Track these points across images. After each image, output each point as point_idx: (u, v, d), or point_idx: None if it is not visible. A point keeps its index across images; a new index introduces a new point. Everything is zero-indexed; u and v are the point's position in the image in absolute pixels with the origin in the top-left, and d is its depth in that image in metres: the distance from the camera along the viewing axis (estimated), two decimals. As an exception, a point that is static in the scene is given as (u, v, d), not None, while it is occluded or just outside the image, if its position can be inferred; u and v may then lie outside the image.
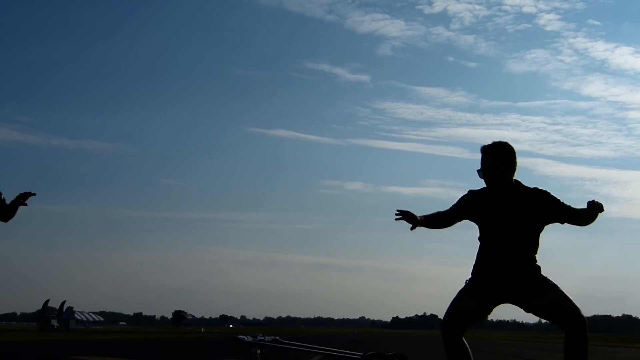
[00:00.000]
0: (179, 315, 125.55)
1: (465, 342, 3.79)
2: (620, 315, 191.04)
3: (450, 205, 3.96)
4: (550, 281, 3.75)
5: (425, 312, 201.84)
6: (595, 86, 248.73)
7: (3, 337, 19.14)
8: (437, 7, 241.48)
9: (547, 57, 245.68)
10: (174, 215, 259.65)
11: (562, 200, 3.79)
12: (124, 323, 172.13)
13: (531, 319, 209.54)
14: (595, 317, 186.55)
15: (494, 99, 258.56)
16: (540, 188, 3.81)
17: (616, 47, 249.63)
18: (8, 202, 4.57)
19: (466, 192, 3.96)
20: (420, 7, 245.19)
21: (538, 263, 3.79)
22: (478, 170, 3.81)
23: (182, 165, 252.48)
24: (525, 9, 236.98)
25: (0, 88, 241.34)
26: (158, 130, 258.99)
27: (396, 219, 3.75)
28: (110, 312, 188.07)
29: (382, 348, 3.49)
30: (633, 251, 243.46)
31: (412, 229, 3.77)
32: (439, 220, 3.95)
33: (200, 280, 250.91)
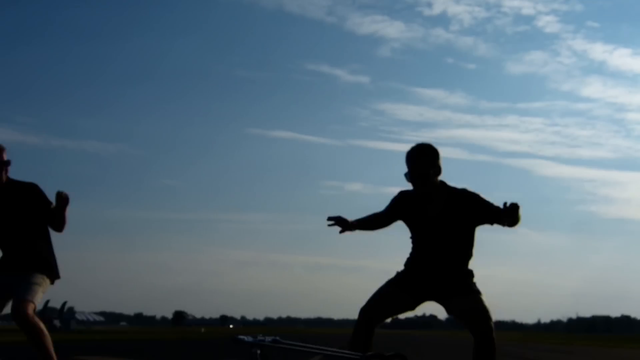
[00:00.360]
0: (179, 315, 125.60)
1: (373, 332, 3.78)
2: (619, 315, 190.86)
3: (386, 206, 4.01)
4: (475, 287, 3.77)
5: (424, 313, 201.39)
6: (594, 87, 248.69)
7: (6, 337, 19.17)
8: (437, 9, 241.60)
9: (545, 58, 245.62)
10: (174, 216, 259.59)
11: (490, 202, 3.74)
12: (125, 323, 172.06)
13: (530, 319, 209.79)
14: (594, 318, 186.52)
15: (493, 100, 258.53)
16: (469, 190, 3.82)
17: (615, 48, 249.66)
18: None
19: (397, 193, 3.98)
20: (419, 8, 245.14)
21: (470, 266, 3.83)
22: (405, 174, 3.84)
23: (182, 165, 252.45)
24: (524, 11, 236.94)
25: (0, 88, 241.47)
26: (158, 130, 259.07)
27: (329, 226, 3.83)
28: (110, 313, 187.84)
29: (381, 348, 3.51)
30: (632, 252, 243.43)
31: (340, 232, 3.82)
32: (375, 222, 4.01)
33: (201, 281, 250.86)
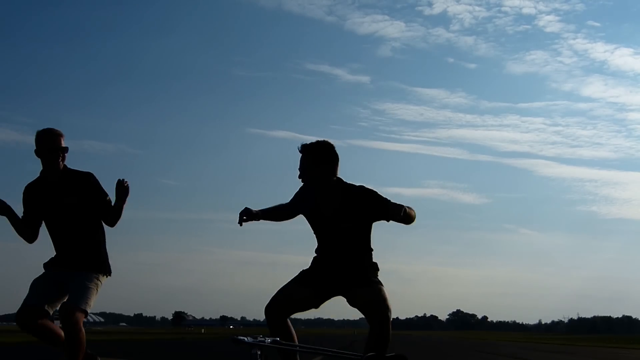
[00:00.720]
0: (179, 316, 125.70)
1: (289, 323, 3.80)
2: (620, 316, 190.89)
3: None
4: (375, 279, 3.80)
5: (425, 313, 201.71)
6: (595, 87, 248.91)
7: (5, 337, 19.16)
8: (437, 9, 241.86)
9: (546, 58, 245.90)
10: (174, 216, 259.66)
11: (387, 199, 3.75)
12: (125, 324, 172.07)
13: (531, 320, 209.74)
14: (595, 318, 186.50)
15: (493, 100, 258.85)
16: (366, 187, 3.83)
17: (616, 48, 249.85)
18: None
19: (299, 188, 4.01)
20: (420, 8, 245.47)
21: (373, 259, 3.88)
22: (299, 169, 3.89)
23: (182, 165, 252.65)
24: (525, 11, 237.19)
25: (0, 88, 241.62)
26: (158, 130, 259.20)
27: (241, 225, 3.92)
28: (110, 313, 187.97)
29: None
30: (633, 252, 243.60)
31: (240, 222, 3.89)
32: (278, 213, 4.06)
33: (201, 281, 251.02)
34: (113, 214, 4.23)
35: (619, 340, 36.47)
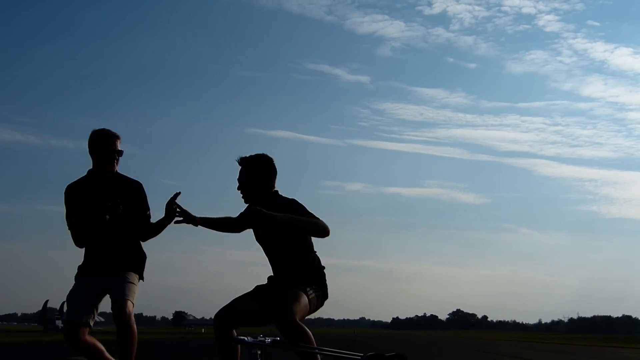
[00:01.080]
0: (179, 315, 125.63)
1: (235, 334, 3.74)
2: (620, 315, 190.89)
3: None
4: (302, 287, 3.70)
5: (425, 313, 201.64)
6: (594, 87, 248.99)
7: (6, 337, 19.15)
8: (437, 8, 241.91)
9: (546, 58, 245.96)
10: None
11: (311, 214, 3.69)
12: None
13: (531, 319, 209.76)
14: (595, 318, 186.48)
15: (493, 100, 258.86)
16: (296, 201, 3.82)
17: (615, 47, 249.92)
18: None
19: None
20: (419, 8, 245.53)
21: (309, 269, 3.84)
22: (237, 180, 3.91)
23: (181, 165, 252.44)
24: (525, 10, 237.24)
25: (0, 88, 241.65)
26: (158, 130, 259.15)
27: (176, 223, 3.95)
28: (110, 313, 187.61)
29: (382, 348, 3.48)
30: (633, 252, 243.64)
31: (176, 222, 3.93)
32: (224, 224, 4.06)
33: (201, 281, 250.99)
34: (151, 230, 4.16)
35: (619, 340, 36.48)
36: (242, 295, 3.85)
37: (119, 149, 4.02)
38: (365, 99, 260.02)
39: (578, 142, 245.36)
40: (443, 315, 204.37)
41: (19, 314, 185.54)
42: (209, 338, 27.47)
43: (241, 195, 3.90)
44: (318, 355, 3.56)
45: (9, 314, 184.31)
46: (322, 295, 3.84)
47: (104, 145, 3.99)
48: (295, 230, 3.68)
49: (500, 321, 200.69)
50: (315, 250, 3.94)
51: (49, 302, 62.39)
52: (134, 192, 4.12)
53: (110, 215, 3.91)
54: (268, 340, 3.36)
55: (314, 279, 3.83)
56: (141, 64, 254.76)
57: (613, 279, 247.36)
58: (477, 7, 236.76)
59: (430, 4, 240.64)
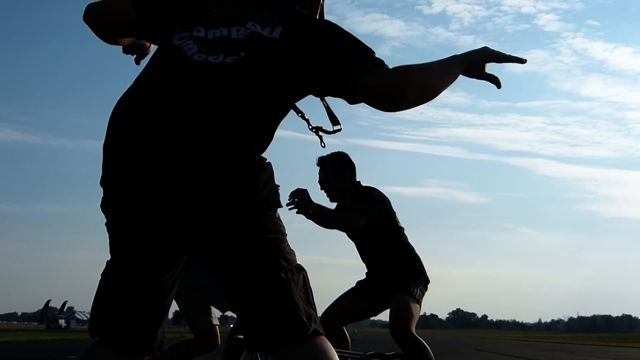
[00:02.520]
0: (179, 314, 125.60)
1: (345, 331, 3.82)
2: (620, 315, 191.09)
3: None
4: (406, 289, 3.63)
5: (425, 312, 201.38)
6: (594, 86, 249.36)
7: (7, 337, 19.16)
8: (437, 8, 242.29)
9: (546, 57, 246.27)
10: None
11: (361, 204, 3.63)
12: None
13: (531, 319, 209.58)
14: (595, 317, 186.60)
15: (493, 100, 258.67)
16: (364, 189, 3.80)
17: (615, 47, 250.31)
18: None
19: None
20: (419, 7, 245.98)
21: (405, 261, 3.78)
22: (319, 182, 3.90)
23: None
24: (524, 10, 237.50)
25: (0, 88, 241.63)
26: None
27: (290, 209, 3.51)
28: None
29: (382, 348, 3.50)
30: (633, 251, 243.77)
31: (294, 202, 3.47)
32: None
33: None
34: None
35: (619, 339, 36.48)
36: (344, 293, 3.86)
37: None
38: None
39: (578, 141, 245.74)
40: (443, 315, 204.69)
41: (19, 313, 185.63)
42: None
43: (326, 194, 3.88)
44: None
45: (9, 313, 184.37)
46: (425, 284, 3.78)
47: None
48: (322, 225, 3.61)
49: (500, 320, 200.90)
50: (406, 235, 3.87)
51: (50, 302, 62.51)
52: None
53: None
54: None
55: (413, 272, 3.75)
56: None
57: (613, 278, 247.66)
58: (476, 7, 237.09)
59: (429, 4, 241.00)
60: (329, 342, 1.52)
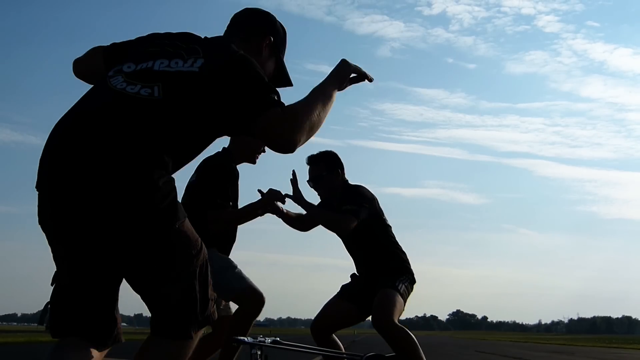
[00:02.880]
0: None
1: (335, 337, 3.83)
2: (620, 316, 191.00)
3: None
4: (391, 283, 3.63)
5: (425, 313, 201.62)
6: (594, 87, 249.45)
7: (7, 338, 19.17)
8: (436, 9, 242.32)
9: (546, 58, 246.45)
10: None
11: (350, 203, 3.64)
12: (125, 324, 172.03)
13: (531, 320, 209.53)
14: (595, 318, 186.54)
15: (493, 101, 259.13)
16: (352, 187, 3.82)
17: (615, 48, 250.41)
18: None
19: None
20: (419, 8, 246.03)
21: (392, 258, 3.79)
22: (307, 181, 3.88)
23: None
24: (524, 11, 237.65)
25: (0, 88, 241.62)
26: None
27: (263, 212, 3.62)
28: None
29: (382, 349, 3.50)
30: (632, 252, 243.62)
31: (263, 211, 3.57)
32: (299, 222, 3.89)
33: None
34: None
35: (619, 341, 36.47)
36: (330, 300, 3.87)
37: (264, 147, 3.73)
38: (365, 99, 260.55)
39: (578, 142, 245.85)
40: (443, 316, 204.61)
41: (19, 314, 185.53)
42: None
43: (318, 192, 3.90)
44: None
45: (9, 314, 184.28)
46: (411, 281, 3.78)
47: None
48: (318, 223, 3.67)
49: (500, 322, 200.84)
50: (393, 233, 3.88)
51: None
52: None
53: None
54: (268, 340, 3.36)
55: (399, 269, 3.77)
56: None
57: (613, 279, 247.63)
58: (476, 8, 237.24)
59: (429, 5, 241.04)
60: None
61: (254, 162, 3.79)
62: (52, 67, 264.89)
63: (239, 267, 3.61)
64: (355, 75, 2.02)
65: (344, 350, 3.75)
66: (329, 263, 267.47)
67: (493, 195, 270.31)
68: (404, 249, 3.89)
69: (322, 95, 1.82)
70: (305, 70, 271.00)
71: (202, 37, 1.93)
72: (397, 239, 3.89)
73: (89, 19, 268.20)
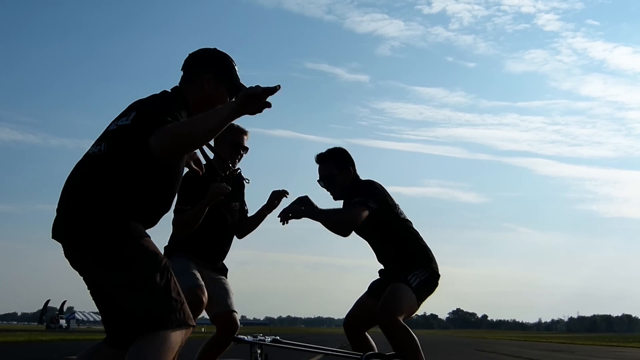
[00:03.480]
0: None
1: (367, 336, 3.82)
2: (620, 314, 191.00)
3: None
4: (403, 277, 3.59)
5: (425, 312, 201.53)
6: (594, 86, 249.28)
7: (7, 337, 19.16)
8: (436, 7, 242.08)
9: (545, 57, 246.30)
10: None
11: (356, 201, 3.56)
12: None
13: (531, 319, 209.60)
14: (595, 317, 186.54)
15: (493, 99, 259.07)
16: (361, 182, 3.75)
17: (615, 47, 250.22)
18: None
19: None
20: (419, 7, 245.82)
21: (409, 251, 3.72)
22: (318, 181, 3.82)
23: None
24: (524, 9, 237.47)
25: (0, 88, 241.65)
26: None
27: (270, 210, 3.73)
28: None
29: (382, 348, 3.47)
30: (632, 251, 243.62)
31: (284, 220, 3.54)
32: None
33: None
34: (251, 225, 3.94)
35: (619, 339, 36.48)
36: (360, 298, 3.83)
37: (246, 145, 3.74)
38: (364, 98, 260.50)
39: (577, 141, 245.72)
40: (443, 315, 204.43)
41: (19, 314, 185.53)
42: (209, 337, 27.38)
43: (330, 193, 3.79)
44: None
45: (9, 314, 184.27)
46: (431, 274, 3.68)
47: (231, 138, 3.67)
48: (329, 227, 3.51)
49: (500, 320, 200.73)
50: (412, 226, 3.81)
51: (50, 302, 62.49)
52: (241, 187, 3.90)
53: (223, 197, 3.49)
54: (268, 339, 3.36)
55: (414, 262, 3.67)
56: (141, 63, 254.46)
57: (613, 278, 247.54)
58: (476, 6, 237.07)
59: (429, 3, 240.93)
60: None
61: (235, 161, 3.69)
62: (52, 67, 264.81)
63: (195, 271, 3.55)
64: (256, 93, 2.11)
65: (376, 350, 3.66)
66: (329, 262, 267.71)
67: (493, 194, 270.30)
68: (426, 244, 3.78)
69: (209, 114, 2.18)
70: (305, 69, 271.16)
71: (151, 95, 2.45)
72: (419, 233, 3.80)
73: (89, 19, 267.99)
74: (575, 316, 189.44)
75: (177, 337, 2.15)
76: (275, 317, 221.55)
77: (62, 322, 52.73)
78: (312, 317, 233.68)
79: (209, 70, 2.50)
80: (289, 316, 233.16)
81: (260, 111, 2.16)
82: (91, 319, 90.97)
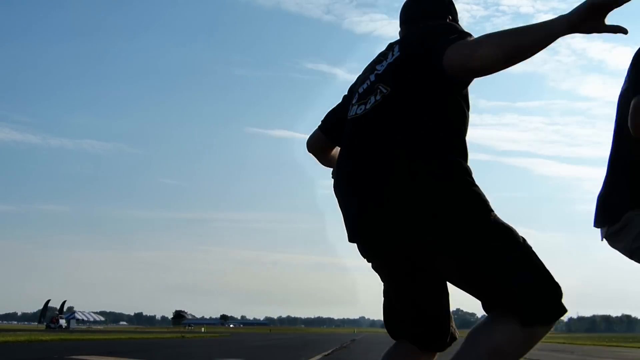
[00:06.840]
0: (179, 315, 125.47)
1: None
2: (619, 315, 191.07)
3: None
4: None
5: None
6: (593, 86, 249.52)
7: (7, 337, 19.16)
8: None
9: (545, 57, 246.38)
10: (174, 215, 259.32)
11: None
12: (125, 323, 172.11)
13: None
14: (594, 317, 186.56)
15: (492, 99, 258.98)
16: None
17: (614, 47, 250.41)
18: None
19: None
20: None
21: None
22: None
23: (181, 165, 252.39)
24: (523, 9, 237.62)
25: (0, 88, 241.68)
26: (157, 130, 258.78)
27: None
28: (110, 312, 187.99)
29: (382, 348, 3.48)
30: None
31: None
32: None
33: (201, 280, 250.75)
34: None
35: (618, 339, 36.47)
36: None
37: None
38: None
39: (577, 141, 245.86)
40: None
41: (19, 313, 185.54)
42: (209, 337, 27.40)
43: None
44: None
45: (9, 314, 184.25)
46: None
47: None
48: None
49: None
50: None
51: (50, 302, 62.44)
52: None
53: None
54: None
55: None
56: (141, 64, 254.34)
57: (612, 278, 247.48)
58: (475, 7, 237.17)
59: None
60: None
61: None
62: (52, 67, 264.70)
63: None
64: (610, 26, 1.66)
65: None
66: (329, 262, 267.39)
67: (492, 194, 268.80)
68: None
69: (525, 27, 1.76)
70: (304, 69, 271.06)
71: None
72: None
73: (89, 20, 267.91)
74: (574, 316, 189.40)
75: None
76: (275, 317, 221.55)
77: (62, 322, 52.77)
78: (312, 317, 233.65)
79: (447, 17, 2.24)
80: (289, 316, 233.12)
81: (599, 31, 1.66)
82: (91, 319, 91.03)
